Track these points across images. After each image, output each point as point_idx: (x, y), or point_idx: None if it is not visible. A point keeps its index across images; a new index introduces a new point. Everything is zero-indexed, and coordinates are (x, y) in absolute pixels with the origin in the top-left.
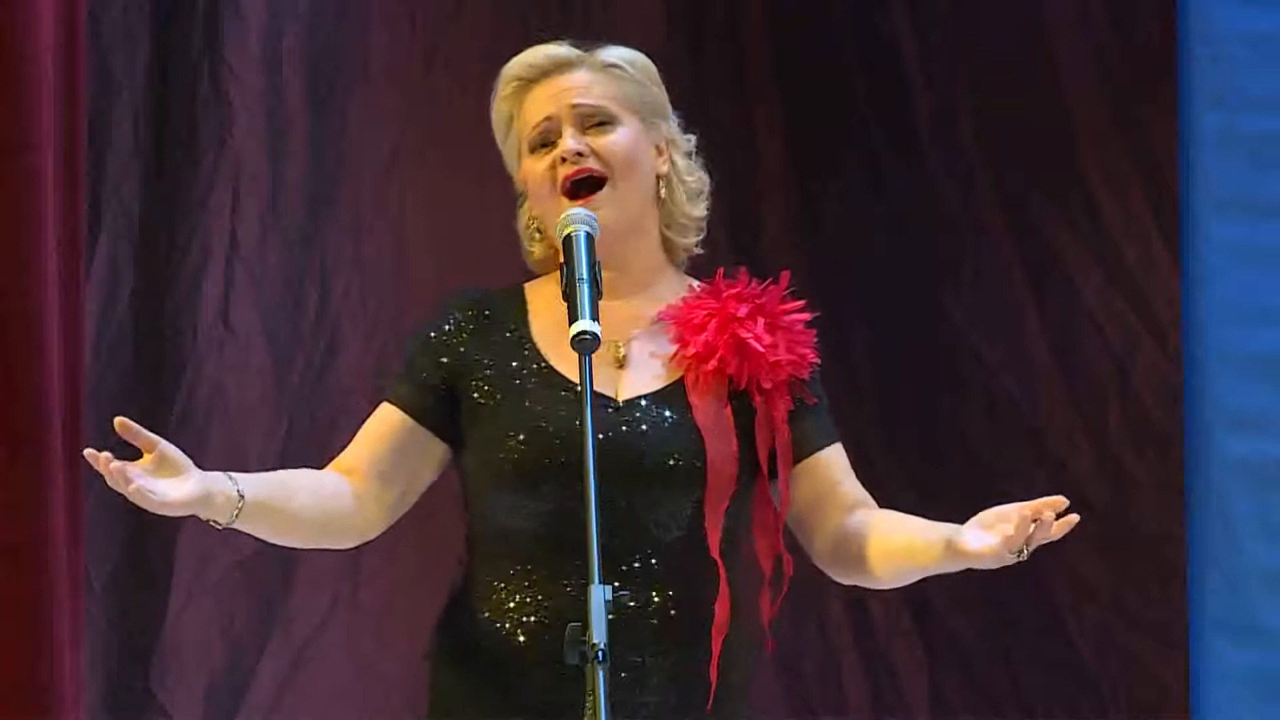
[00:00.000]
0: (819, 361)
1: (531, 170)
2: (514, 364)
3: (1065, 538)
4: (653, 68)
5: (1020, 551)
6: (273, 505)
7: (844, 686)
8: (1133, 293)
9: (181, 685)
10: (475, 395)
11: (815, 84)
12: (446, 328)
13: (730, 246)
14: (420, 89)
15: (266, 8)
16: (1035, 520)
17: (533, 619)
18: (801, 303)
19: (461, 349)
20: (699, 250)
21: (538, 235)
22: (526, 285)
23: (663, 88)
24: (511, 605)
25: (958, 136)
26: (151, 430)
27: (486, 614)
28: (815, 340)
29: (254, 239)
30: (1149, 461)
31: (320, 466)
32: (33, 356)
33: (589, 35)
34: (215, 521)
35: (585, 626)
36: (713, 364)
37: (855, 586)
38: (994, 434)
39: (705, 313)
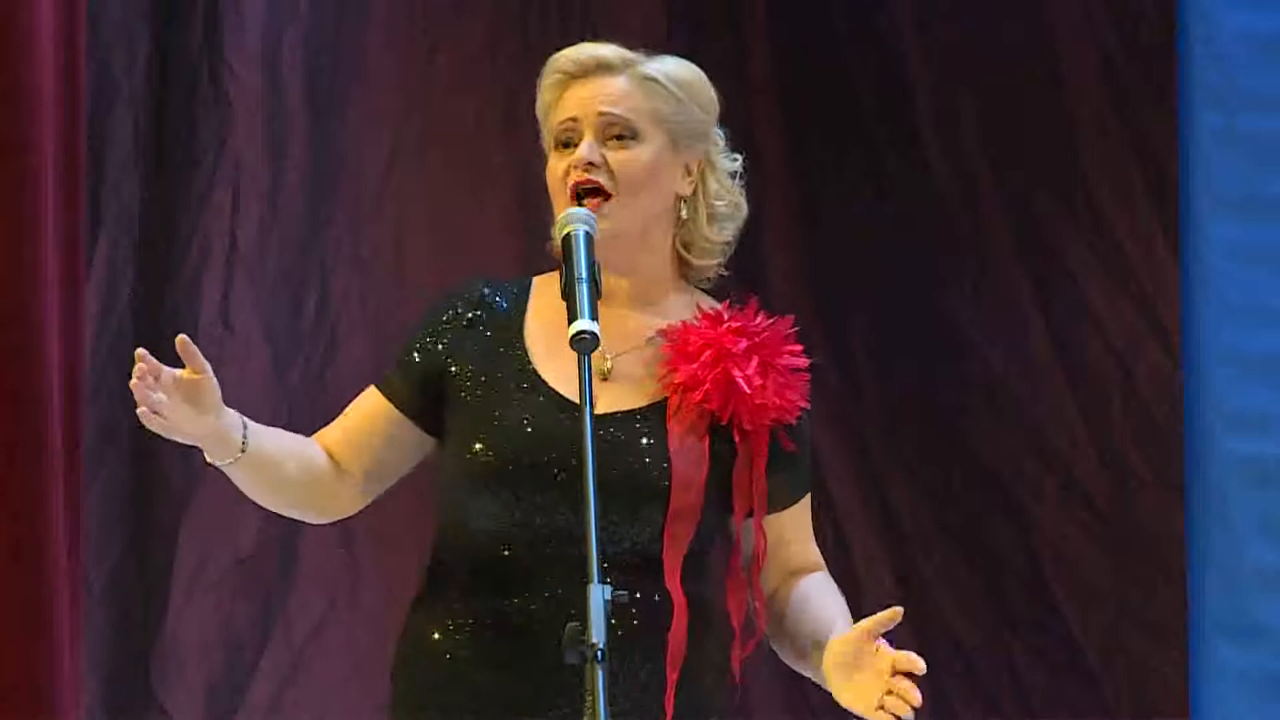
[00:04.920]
0: (808, 407)
1: (552, 169)
2: (499, 363)
3: (1066, 537)
4: (700, 86)
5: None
6: (265, 466)
7: None
8: (1134, 292)
9: (181, 685)
10: (458, 389)
11: (815, 82)
12: (444, 316)
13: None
14: (420, 89)
15: (266, 8)
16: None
17: (485, 620)
18: (801, 347)
19: (453, 339)
20: (724, 271)
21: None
22: (536, 279)
23: (709, 107)
24: (466, 605)
25: (959, 136)
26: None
27: (442, 613)
28: (808, 386)
29: (254, 239)
30: (1150, 461)
31: None
32: (33, 356)
33: (588, 35)
34: (214, 461)
35: (584, 626)
36: (697, 395)
37: (855, 585)
38: (994, 433)
39: (701, 342)
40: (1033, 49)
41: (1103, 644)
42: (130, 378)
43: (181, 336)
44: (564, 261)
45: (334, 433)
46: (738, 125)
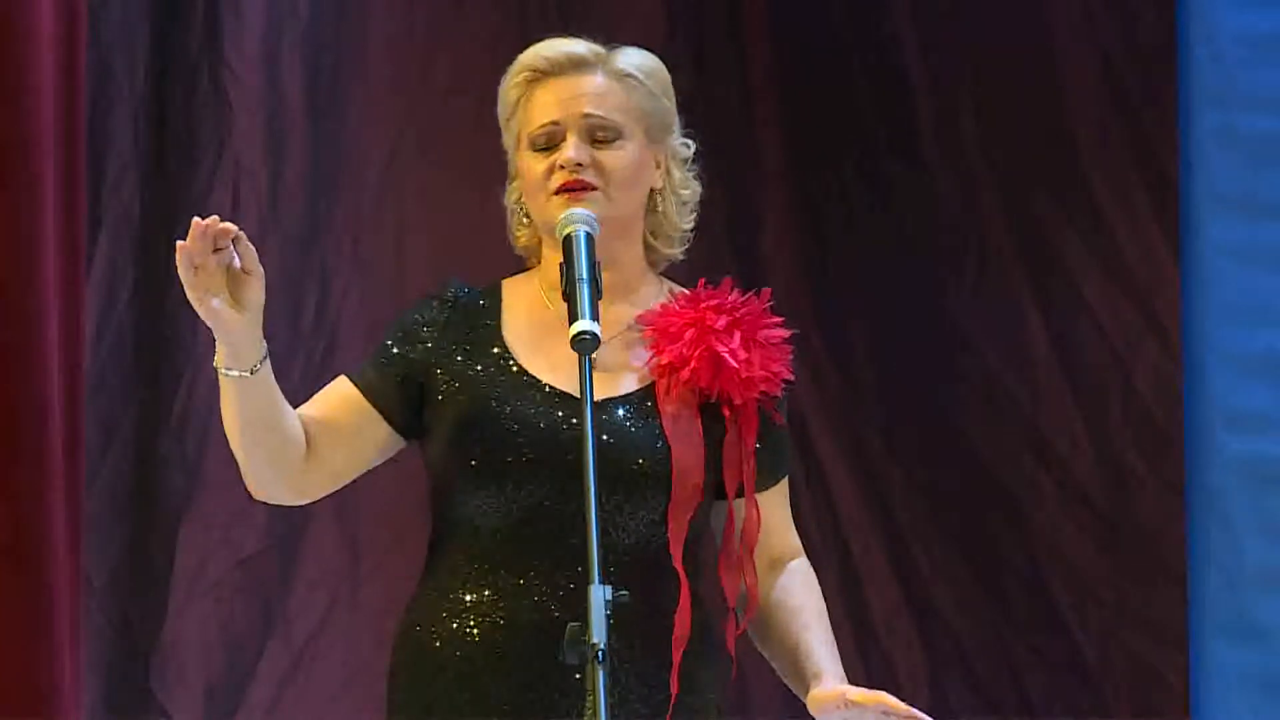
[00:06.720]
0: (793, 379)
1: (530, 168)
2: (483, 361)
3: (1066, 537)
4: (666, 77)
5: None
6: (267, 401)
7: None
8: (1134, 292)
9: (181, 685)
10: (442, 388)
11: (815, 84)
12: (418, 318)
13: (730, 246)
14: (420, 89)
15: (266, 8)
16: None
17: (489, 618)
18: (780, 319)
19: (432, 341)
20: (682, 257)
21: (525, 221)
22: (505, 281)
23: (673, 97)
24: (469, 602)
25: (959, 136)
26: (151, 430)
27: (444, 612)
28: (791, 358)
29: (254, 239)
30: (1149, 461)
31: None
32: (33, 356)
33: (588, 36)
34: (223, 366)
35: (585, 626)
36: (685, 374)
37: (855, 585)
38: (994, 433)
39: (683, 322)
40: (1033, 49)
41: (1103, 644)
42: (130, 377)
43: (237, 231)
44: (564, 261)
45: (309, 412)
46: (738, 125)
